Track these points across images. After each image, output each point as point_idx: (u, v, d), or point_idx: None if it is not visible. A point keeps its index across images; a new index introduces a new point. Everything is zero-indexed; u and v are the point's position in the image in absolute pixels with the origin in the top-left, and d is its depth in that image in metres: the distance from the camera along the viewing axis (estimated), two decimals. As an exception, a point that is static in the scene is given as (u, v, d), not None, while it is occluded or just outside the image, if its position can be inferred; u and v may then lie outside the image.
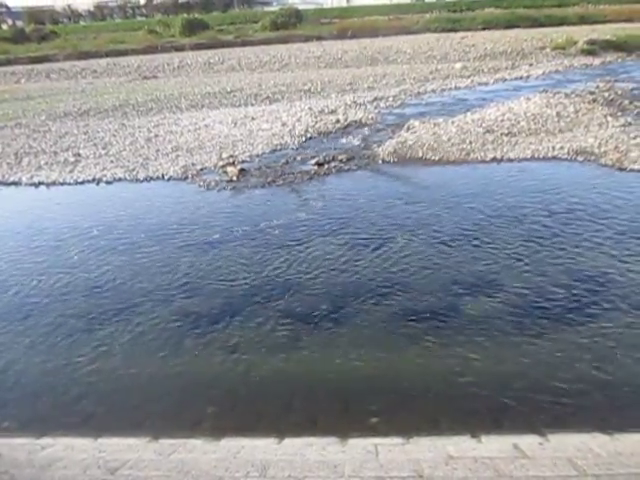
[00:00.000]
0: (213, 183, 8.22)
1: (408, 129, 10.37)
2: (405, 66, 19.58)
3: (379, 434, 3.14)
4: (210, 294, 5.02)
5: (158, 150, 10.11)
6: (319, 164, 8.72)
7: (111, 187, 8.52)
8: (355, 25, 32.67)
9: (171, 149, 10.12)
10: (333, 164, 8.74)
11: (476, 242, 5.72)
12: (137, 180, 8.65)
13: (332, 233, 6.15)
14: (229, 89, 16.64)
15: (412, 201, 7.01)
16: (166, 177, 8.66)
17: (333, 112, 12.38)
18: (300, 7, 40.20)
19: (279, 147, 9.91)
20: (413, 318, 4.41)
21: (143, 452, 3.01)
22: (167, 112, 13.81)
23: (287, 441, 3.10)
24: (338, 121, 11.48)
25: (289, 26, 33.16)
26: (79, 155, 10.17)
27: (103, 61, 25.77)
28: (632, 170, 7.71)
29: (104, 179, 8.77)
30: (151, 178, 8.70)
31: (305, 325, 4.42)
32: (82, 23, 50.36)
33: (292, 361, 4.02)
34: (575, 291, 4.67)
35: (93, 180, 8.78)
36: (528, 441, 2.95)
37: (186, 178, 8.56)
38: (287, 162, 9.01)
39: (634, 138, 8.95)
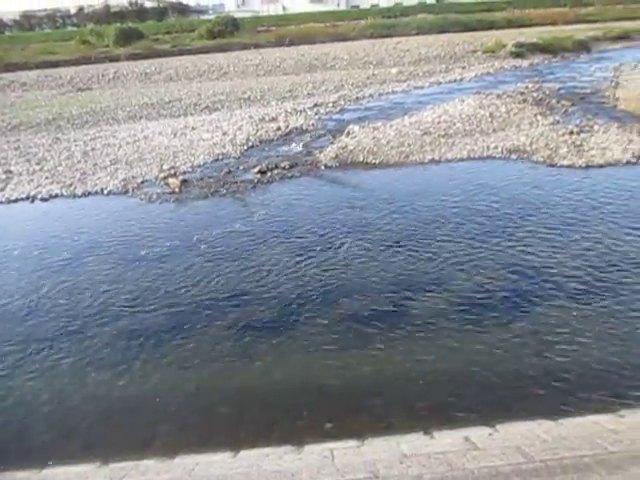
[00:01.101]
0: (155, 196, 8.05)
1: (348, 134, 10.51)
2: (343, 72, 19.81)
3: (334, 438, 3.16)
4: (155, 309, 4.91)
5: (96, 164, 9.82)
6: (262, 172, 8.70)
7: (47, 204, 8.20)
8: (292, 32, 32.79)
9: (109, 162, 9.85)
10: (276, 171, 8.74)
11: (419, 242, 5.85)
12: (75, 196, 8.36)
13: (278, 241, 6.15)
14: (167, 99, 16.36)
15: (355, 205, 7.10)
16: (105, 191, 8.42)
17: (274, 119, 12.38)
18: (236, 15, 39.95)
19: (221, 156, 9.82)
20: (361, 321, 4.47)
21: (92, 479, 2.91)
22: (104, 124, 13.42)
23: (243, 453, 3.07)
24: (279, 128, 11.49)
25: (226, 34, 32.88)
26: (10, 172, 9.72)
27: (33, 73, 24.74)
28: (562, 166, 8.11)
29: (39, 196, 8.42)
30: (90, 193, 8.43)
31: (254, 335, 4.39)
32: (8, 33, 48.18)
33: (243, 372, 3.98)
34: (514, 284, 4.86)
35: (27, 198, 8.41)
36: (478, 433, 3.04)
37: (126, 192, 8.35)
38: (229, 171, 8.94)
39: (562, 135, 9.42)
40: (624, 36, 26.36)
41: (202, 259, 5.83)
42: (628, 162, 8.07)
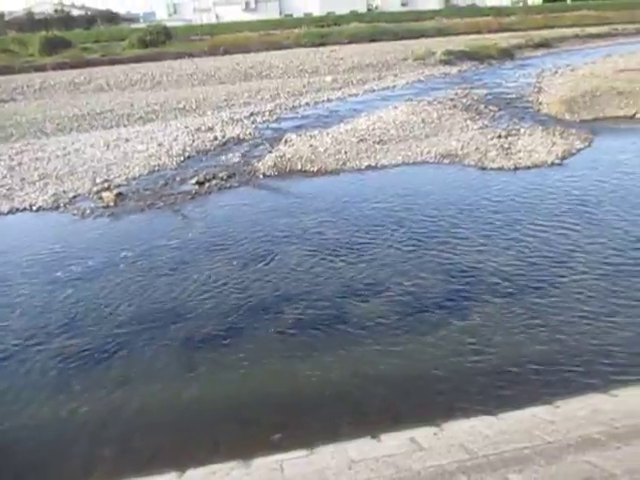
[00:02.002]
0: (88, 210, 7.77)
1: (286, 142, 10.54)
2: (279, 80, 19.85)
3: (283, 449, 3.14)
4: (93, 328, 4.73)
5: (23, 179, 9.37)
6: (200, 183, 8.59)
7: (-30, 223, 7.75)
8: (227, 41, 32.51)
9: (38, 177, 9.42)
10: (214, 182, 8.64)
11: (358, 248, 5.94)
12: (0, 213, 7.95)
13: (218, 252, 6.07)
14: (99, 110, 15.84)
15: (295, 213, 7.12)
16: (34, 207, 8.05)
17: (210, 129, 12.25)
18: (168, 24, 39.23)
19: (157, 168, 9.61)
20: (305, 329, 4.48)
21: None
22: (31, 137, 12.83)
23: (189, 473, 3.00)
24: (216, 138, 11.38)
25: (159, 44, 32.19)
26: None
27: (-51, 85, 23.40)
28: (492, 169, 8.45)
29: (-39, 215, 7.95)
30: (17, 210, 8.03)
31: (197, 350, 4.32)
32: None
33: (187, 389, 3.90)
34: (451, 286, 5.02)
35: (-53, 217, 7.93)
36: (424, 433, 3.09)
37: (58, 207, 8.01)
38: (166, 183, 8.77)
39: (491, 139, 9.82)
40: (544, 44, 27.88)
41: (140, 275, 5.67)
42: (553, 163, 8.51)
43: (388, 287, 5.04)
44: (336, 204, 7.35)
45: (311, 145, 10.09)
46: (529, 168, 8.38)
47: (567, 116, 11.79)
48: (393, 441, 3.04)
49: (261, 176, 8.88)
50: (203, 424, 3.57)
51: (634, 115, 11.57)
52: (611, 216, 6.39)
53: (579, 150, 9.19)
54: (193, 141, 11.20)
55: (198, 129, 12.29)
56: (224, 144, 11.08)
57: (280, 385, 3.86)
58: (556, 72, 17.92)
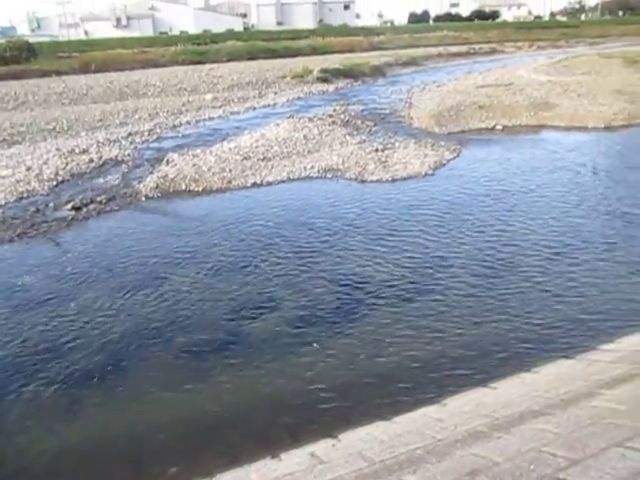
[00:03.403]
0: (-56, 245, 7.02)
1: (168, 162, 10.27)
2: (157, 99, 19.32)
3: (180, 483, 3.03)
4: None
5: None
6: (76, 208, 8.09)
7: None
8: (98, 59, 31.06)
9: None
10: (92, 206, 8.18)
11: (246, 266, 5.92)
12: None
13: (98, 281, 5.74)
14: (-47, 134, 14.42)
15: (180, 235, 6.94)
16: None
17: (85, 151, 11.60)
18: (32, 40, 36.71)
19: (26, 194, 8.91)
20: (198, 353, 4.37)
21: None
22: None
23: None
24: (92, 160, 10.80)
25: (21, 60, 29.99)
26: None
27: None
28: (372, 181, 8.84)
29: None
30: None
31: (81, 386, 4.04)
32: None
33: (75, 428, 3.65)
34: (341, 297, 5.15)
35: None
36: (322, 446, 3.13)
37: None
38: (38, 210, 8.15)
39: (369, 153, 10.26)
40: (412, 62, 29.81)
41: (9, 310, 5.21)
42: (426, 174, 9.07)
43: (279, 304, 5.06)
44: (223, 223, 7.27)
45: (194, 164, 9.91)
46: (405, 179, 8.86)
47: (436, 129, 12.64)
48: (294, 458, 3.04)
49: (143, 198, 8.56)
50: (93, 465, 3.34)
51: (494, 127, 12.70)
52: (478, 219, 6.94)
53: (449, 160, 9.89)
54: (67, 164, 10.54)
55: (71, 151, 11.59)
56: (101, 166, 10.55)
57: (174, 414, 3.72)
58: (424, 88, 19.17)
